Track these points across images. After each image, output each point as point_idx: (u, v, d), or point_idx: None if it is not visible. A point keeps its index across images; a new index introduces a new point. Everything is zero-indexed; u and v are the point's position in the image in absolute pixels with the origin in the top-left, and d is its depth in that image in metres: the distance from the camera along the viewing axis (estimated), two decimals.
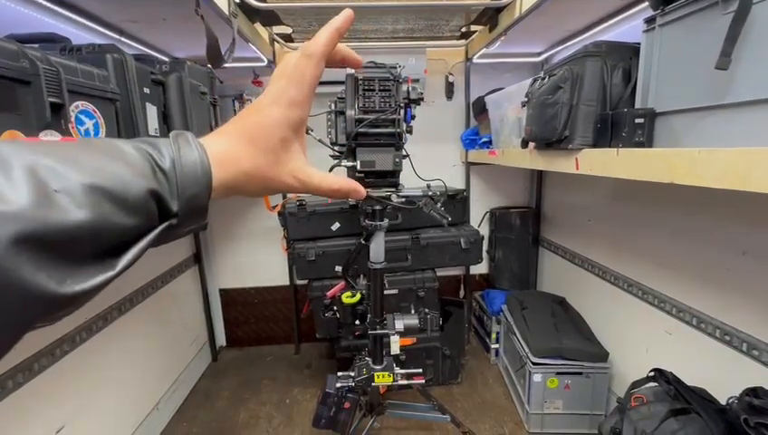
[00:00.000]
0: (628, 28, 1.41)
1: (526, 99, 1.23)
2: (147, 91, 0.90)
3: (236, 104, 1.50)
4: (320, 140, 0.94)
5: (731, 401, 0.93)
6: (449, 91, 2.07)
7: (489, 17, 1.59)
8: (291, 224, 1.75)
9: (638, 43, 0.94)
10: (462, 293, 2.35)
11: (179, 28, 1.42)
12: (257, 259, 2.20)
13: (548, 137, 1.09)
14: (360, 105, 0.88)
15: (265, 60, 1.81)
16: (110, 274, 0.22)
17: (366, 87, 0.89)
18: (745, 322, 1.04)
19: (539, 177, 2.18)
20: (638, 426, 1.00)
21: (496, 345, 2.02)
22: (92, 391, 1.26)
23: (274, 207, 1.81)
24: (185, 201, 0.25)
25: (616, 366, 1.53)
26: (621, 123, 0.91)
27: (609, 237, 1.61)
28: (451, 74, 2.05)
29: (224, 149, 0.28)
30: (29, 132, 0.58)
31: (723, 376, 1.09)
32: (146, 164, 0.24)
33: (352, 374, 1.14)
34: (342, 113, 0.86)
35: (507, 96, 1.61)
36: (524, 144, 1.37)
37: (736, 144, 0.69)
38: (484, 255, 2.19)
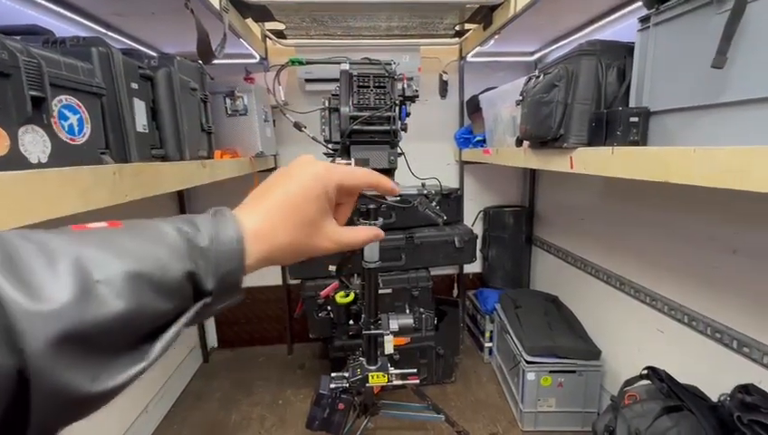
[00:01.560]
0: (622, 27, 1.41)
1: (521, 97, 1.23)
2: (135, 86, 0.88)
3: (228, 101, 1.47)
4: (313, 138, 0.93)
5: (723, 398, 0.94)
6: (443, 89, 2.06)
7: (483, 15, 1.58)
8: None
9: (633, 43, 0.94)
10: (456, 292, 2.35)
11: (169, 22, 1.39)
12: None
13: (543, 135, 1.08)
14: (355, 102, 0.86)
15: (257, 56, 1.78)
16: (143, 365, 0.21)
17: (361, 84, 0.88)
18: (736, 319, 1.06)
19: (532, 176, 2.19)
20: (631, 424, 1.00)
21: (490, 344, 2.02)
22: None
23: None
24: (220, 279, 0.25)
25: (608, 364, 1.54)
26: (616, 122, 0.91)
27: (602, 236, 1.62)
28: (445, 72, 2.04)
29: (260, 226, 0.28)
30: (9, 127, 0.55)
31: (714, 373, 1.10)
32: (184, 245, 0.24)
33: (346, 375, 1.13)
34: (336, 110, 0.85)
35: (501, 95, 1.61)
36: (519, 143, 1.36)
37: (731, 143, 0.69)
38: (478, 254, 2.20)
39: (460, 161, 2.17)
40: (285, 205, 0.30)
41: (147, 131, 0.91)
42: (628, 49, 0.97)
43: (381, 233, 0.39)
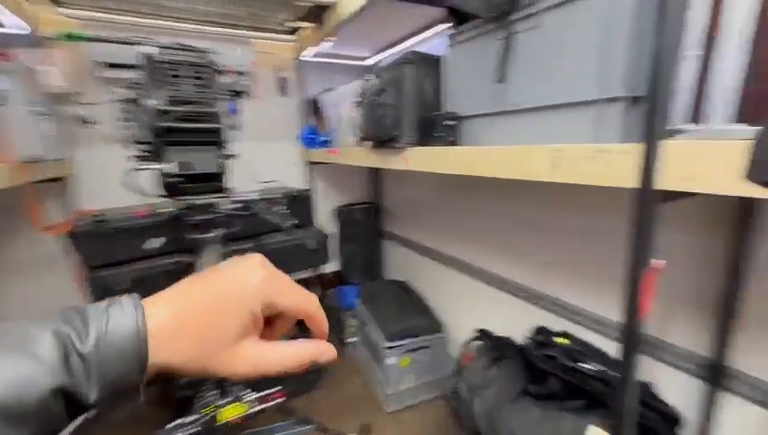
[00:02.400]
0: (439, 43, 1.64)
1: (360, 99, 1.28)
2: None
3: None
4: (110, 137, 0.73)
5: (527, 341, 1.20)
6: (282, 87, 1.98)
7: (316, 15, 1.58)
8: (87, 246, 1.34)
9: (443, 56, 1.09)
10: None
11: None
12: (34, 296, 1.61)
13: (379, 136, 1.15)
14: (170, 95, 0.72)
15: (26, 28, 1.32)
16: None
17: (174, 73, 0.73)
18: (532, 280, 1.37)
19: (376, 173, 2.34)
20: (469, 381, 1.18)
21: (353, 339, 2.08)
22: None
23: (52, 228, 1.35)
24: (106, 386, 0.22)
25: (452, 333, 1.79)
26: (436, 125, 1.05)
27: (440, 225, 1.86)
28: (282, 70, 1.96)
29: (166, 324, 0.24)
30: None
31: (522, 324, 1.41)
32: (56, 353, 0.21)
33: (191, 419, 0.95)
34: (135, 102, 0.69)
35: (341, 96, 1.65)
36: (360, 143, 1.42)
37: (518, 142, 0.86)
38: (336, 252, 2.22)
39: (308, 162, 2.13)
40: (197, 310, 0.25)
41: None
42: (440, 61, 1.12)
43: (331, 349, 0.30)
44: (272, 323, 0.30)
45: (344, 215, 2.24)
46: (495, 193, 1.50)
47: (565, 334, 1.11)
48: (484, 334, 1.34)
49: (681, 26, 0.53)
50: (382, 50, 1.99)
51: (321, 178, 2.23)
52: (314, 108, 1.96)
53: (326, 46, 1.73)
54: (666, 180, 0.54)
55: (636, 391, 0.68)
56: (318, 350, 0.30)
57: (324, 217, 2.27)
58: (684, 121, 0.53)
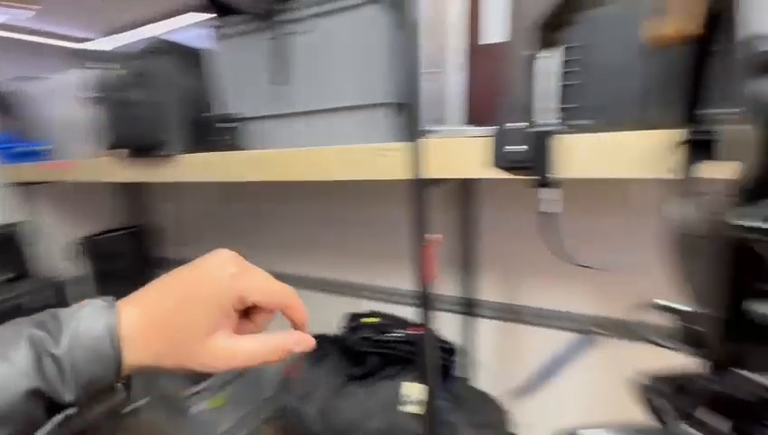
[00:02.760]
0: (198, 33, 1.43)
1: (100, 94, 0.96)
2: None
3: None
4: None
5: (341, 331, 1.27)
6: None
7: None
8: None
9: (209, 50, 0.96)
10: None
11: None
12: None
13: (138, 142, 0.91)
14: None
15: None
16: None
17: None
18: (338, 270, 1.45)
19: (141, 188, 1.88)
20: (296, 391, 1.14)
21: (135, 405, 1.62)
22: None
23: None
24: (82, 387, 0.23)
25: None
26: (210, 128, 0.92)
27: (235, 237, 1.68)
28: None
29: (137, 325, 0.25)
30: None
31: (336, 316, 1.47)
32: (30, 356, 0.22)
33: None
34: None
35: (55, 87, 1.20)
36: (108, 151, 1.09)
37: (303, 144, 0.87)
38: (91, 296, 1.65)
39: (16, 183, 1.47)
40: (167, 309, 0.26)
41: None
42: (204, 55, 0.98)
43: (305, 342, 0.32)
44: (252, 318, 0.31)
45: (95, 247, 1.69)
46: (288, 195, 1.49)
47: (373, 313, 1.24)
48: None
49: (417, 50, 0.66)
50: (114, 32, 1.58)
51: (46, 204, 1.59)
52: (4, 104, 1.35)
53: (19, 16, 1.21)
54: (429, 171, 0.67)
55: (434, 342, 0.83)
56: (293, 340, 0.31)
57: (60, 256, 1.64)
58: (434, 124, 0.67)
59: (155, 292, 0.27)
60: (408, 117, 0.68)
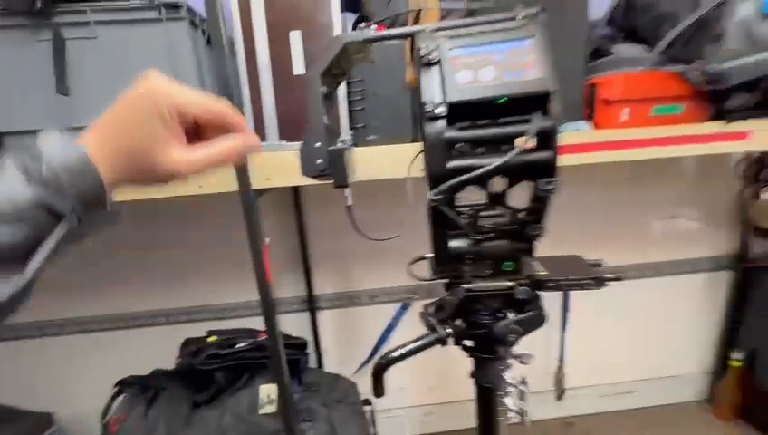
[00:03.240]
0: None
1: None
2: None
3: None
4: None
5: (179, 360, 1.16)
6: None
7: None
8: None
9: None
10: None
11: None
12: None
13: None
14: None
15: None
16: (19, 280, 0.26)
17: None
18: (164, 299, 1.30)
19: None
20: None
21: None
22: None
23: None
24: (77, 197, 0.27)
25: (81, 413, 1.35)
26: None
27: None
28: None
29: (96, 147, 0.28)
30: None
31: (169, 348, 1.31)
32: (22, 177, 0.25)
33: None
34: None
35: None
36: None
37: None
38: None
39: None
40: (116, 127, 0.29)
41: None
42: None
43: (252, 139, 0.34)
44: (201, 138, 0.32)
45: None
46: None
47: (210, 333, 1.19)
48: (125, 384, 1.15)
49: (226, 68, 0.72)
50: None
51: None
52: None
53: None
54: (256, 181, 0.75)
55: (281, 342, 0.90)
56: (241, 139, 0.33)
57: None
58: None
59: (106, 117, 0.30)
60: None
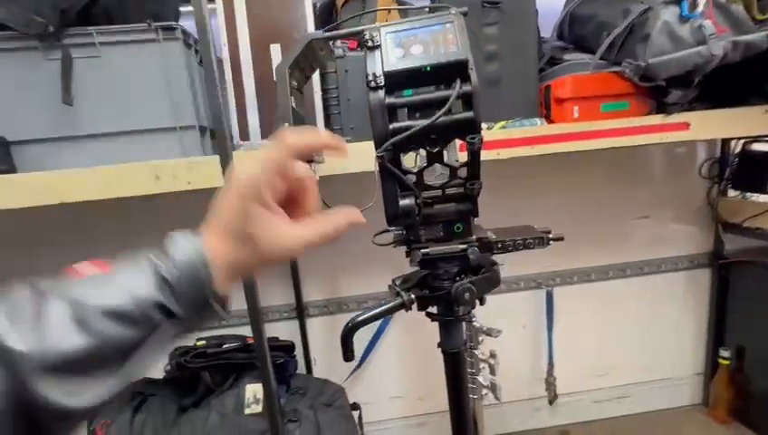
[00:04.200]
0: None
1: None
2: None
3: None
4: None
5: (167, 365, 1.18)
6: None
7: None
8: None
9: None
10: None
11: None
12: None
13: None
14: None
15: None
16: (116, 384, 0.28)
17: None
18: None
19: None
20: None
21: None
22: None
23: None
24: (185, 303, 0.29)
25: None
26: None
27: None
28: None
29: (215, 244, 0.31)
30: None
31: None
32: (152, 277, 0.29)
33: None
34: None
35: None
36: None
37: (94, 164, 0.84)
38: None
39: None
40: (223, 226, 0.31)
41: None
42: None
43: (350, 218, 0.35)
44: (298, 212, 0.34)
45: None
46: (80, 227, 1.30)
47: (198, 339, 1.21)
48: None
49: (215, 82, 0.81)
50: None
51: None
52: None
53: None
54: None
55: (265, 339, 0.93)
56: (342, 214, 0.35)
57: None
58: (241, 139, 0.83)
59: (212, 215, 0.32)
60: (218, 136, 0.81)
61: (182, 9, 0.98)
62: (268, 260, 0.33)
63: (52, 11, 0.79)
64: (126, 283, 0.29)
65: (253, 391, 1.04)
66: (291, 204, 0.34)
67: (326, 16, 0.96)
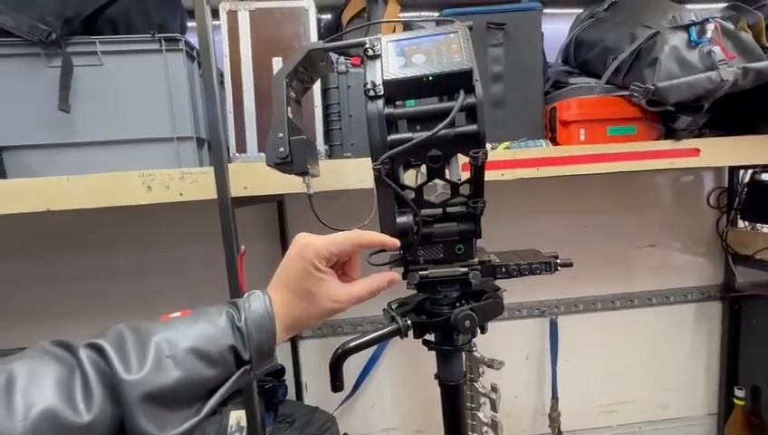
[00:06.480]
0: None
1: None
2: None
3: None
4: None
5: None
6: None
7: None
8: None
9: None
10: None
11: None
12: None
13: None
14: None
15: None
16: (197, 419, 0.33)
17: None
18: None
19: None
20: None
21: None
22: None
23: None
24: (254, 349, 0.36)
25: None
26: None
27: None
28: None
29: (280, 302, 0.39)
30: None
31: None
32: (228, 325, 0.35)
33: None
34: None
35: None
36: None
37: (89, 172, 0.82)
38: None
39: None
40: (286, 284, 0.40)
41: None
42: None
43: (389, 277, 0.44)
44: (346, 272, 0.44)
45: None
46: (67, 243, 1.26)
47: None
48: None
49: (215, 94, 0.80)
50: None
51: None
52: None
53: None
54: (234, 190, 0.79)
55: None
56: (381, 276, 0.44)
57: None
58: (237, 151, 0.81)
59: (277, 277, 0.40)
60: (214, 147, 0.79)
61: (190, 24, 0.99)
62: (322, 313, 0.40)
63: (57, 19, 0.79)
64: (206, 328, 0.34)
65: (236, 418, 0.98)
66: (338, 268, 0.43)
67: (331, 34, 0.96)
